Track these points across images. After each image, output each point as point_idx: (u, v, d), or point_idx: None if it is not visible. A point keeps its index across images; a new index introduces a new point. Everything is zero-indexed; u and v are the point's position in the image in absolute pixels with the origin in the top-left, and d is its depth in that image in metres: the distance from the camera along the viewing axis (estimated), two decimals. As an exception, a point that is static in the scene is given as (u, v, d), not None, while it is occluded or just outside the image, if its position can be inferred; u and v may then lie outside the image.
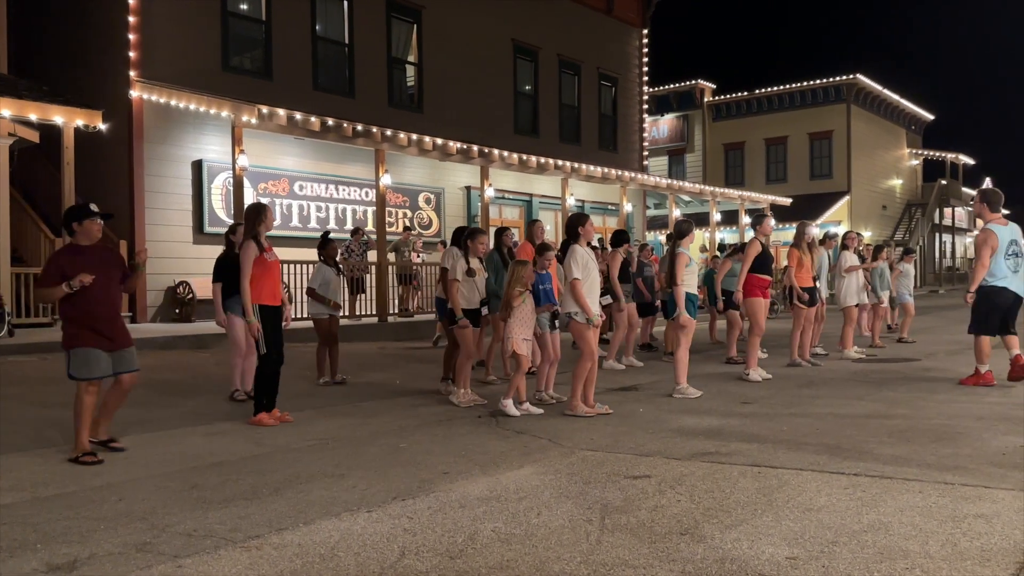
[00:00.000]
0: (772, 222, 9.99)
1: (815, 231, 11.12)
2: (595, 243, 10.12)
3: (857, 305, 11.55)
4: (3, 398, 7.75)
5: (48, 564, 3.44)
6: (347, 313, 14.52)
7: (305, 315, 13.43)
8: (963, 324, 16.80)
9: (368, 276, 15.11)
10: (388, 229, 15.77)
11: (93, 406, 5.51)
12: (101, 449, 5.59)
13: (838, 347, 11.42)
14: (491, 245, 9.32)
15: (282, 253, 9.86)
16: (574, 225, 7.17)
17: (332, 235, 10.05)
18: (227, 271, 7.56)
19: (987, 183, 56.62)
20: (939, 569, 3.20)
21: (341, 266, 9.89)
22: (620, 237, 10.89)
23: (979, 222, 8.35)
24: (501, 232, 9.31)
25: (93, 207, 5.64)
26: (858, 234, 13.06)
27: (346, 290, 14.48)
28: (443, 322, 9.11)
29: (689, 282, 8.03)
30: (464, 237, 7.95)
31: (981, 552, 3.38)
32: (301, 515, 4.08)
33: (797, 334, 10.32)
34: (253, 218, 6.71)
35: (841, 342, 11.29)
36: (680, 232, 8.22)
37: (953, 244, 47.63)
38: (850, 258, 11.65)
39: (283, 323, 6.84)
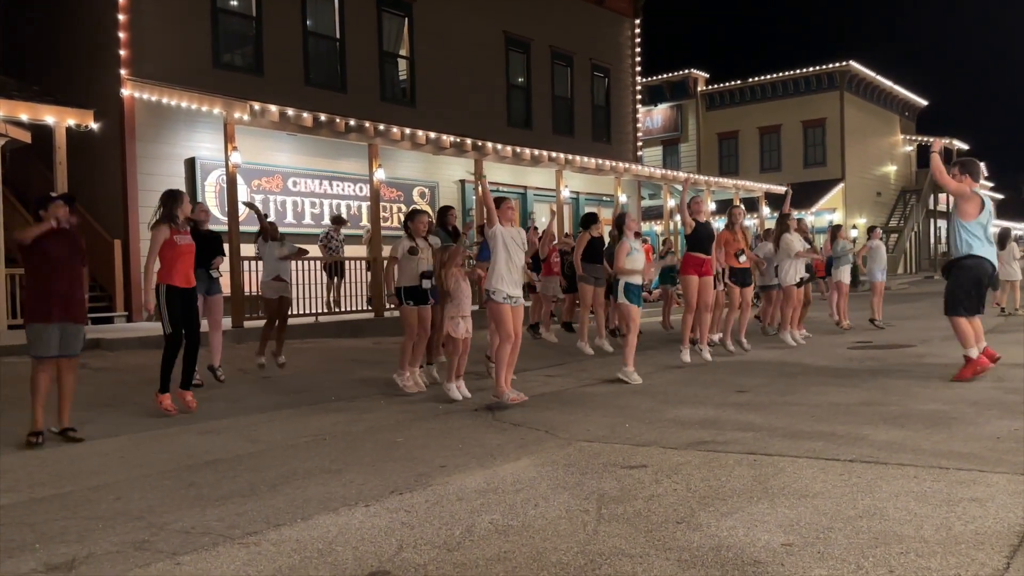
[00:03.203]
0: (704, 199, 10.35)
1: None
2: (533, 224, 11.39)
3: (798, 285, 11.62)
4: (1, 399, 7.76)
5: (46, 564, 3.45)
6: (328, 309, 14.59)
7: (306, 311, 13.56)
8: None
9: (347, 266, 15.16)
10: (383, 224, 15.76)
11: (45, 385, 5.95)
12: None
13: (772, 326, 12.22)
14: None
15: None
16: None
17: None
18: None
19: (982, 168, 56.73)
20: (933, 553, 3.22)
21: (283, 242, 9.88)
22: (588, 219, 11.43)
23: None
24: (445, 211, 9.67)
25: (52, 194, 6.33)
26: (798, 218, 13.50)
27: (323, 276, 14.62)
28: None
29: (632, 270, 8.34)
30: (404, 219, 8.25)
31: (975, 536, 3.40)
32: (298, 511, 4.09)
33: (731, 315, 10.70)
34: (170, 202, 7.07)
35: (781, 323, 11.69)
36: (619, 221, 8.67)
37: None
38: (795, 241, 11.61)
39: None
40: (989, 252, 7.50)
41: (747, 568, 3.14)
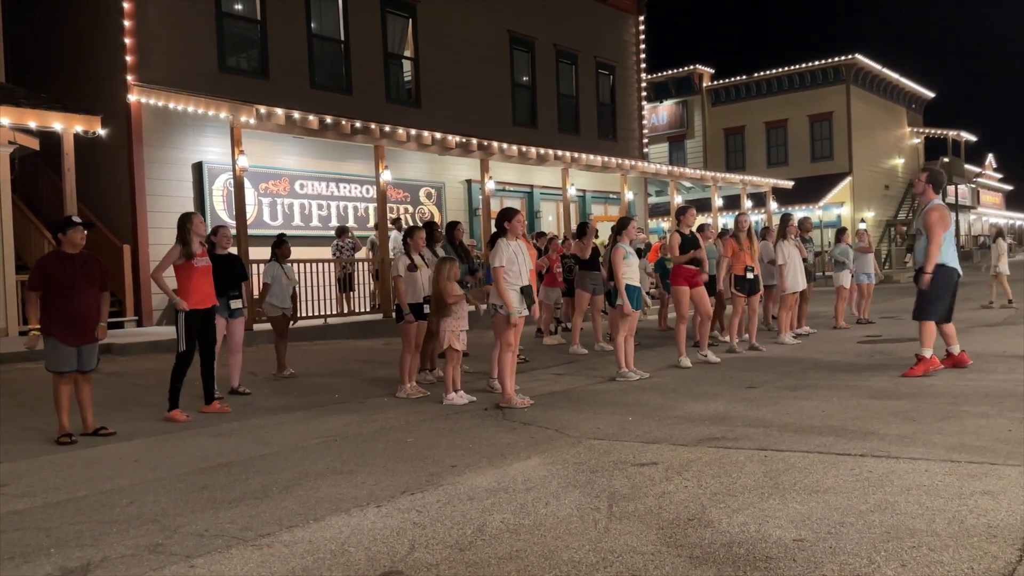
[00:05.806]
0: (695, 212, 10.11)
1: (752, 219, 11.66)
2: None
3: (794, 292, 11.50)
4: (12, 406, 7.80)
5: (62, 568, 3.48)
6: (339, 311, 14.65)
7: (314, 313, 13.61)
8: (967, 302, 16.87)
9: (356, 274, 15.26)
10: (390, 225, 15.78)
11: (67, 395, 6.24)
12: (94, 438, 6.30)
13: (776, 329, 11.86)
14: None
15: (285, 252, 10.01)
16: (500, 220, 7.29)
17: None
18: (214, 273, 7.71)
19: (989, 160, 56.46)
20: (945, 547, 3.22)
21: (289, 267, 10.02)
22: (581, 229, 11.67)
23: (926, 199, 8.10)
24: (453, 226, 9.72)
25: (75, 218, 6.39)
26: (803, 218, 13.44)
27: (335, 288, 14.73)
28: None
29: (629, 274, 8.34)
30: (403, 235, 8.19)
31: (987, 529, 3.39)
32: (311, 512, 4.11)
33: (735, 320, 10.62)
34: (181, 227, 7.14)
35: (779, 327, 11.45)
36: (619, 226, 8.68)
37: (957, 222, 47.43)
38: (787, 248, 11.39)
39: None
40: (956, 261, 7.82)
41: (759, 564, 3.15)
